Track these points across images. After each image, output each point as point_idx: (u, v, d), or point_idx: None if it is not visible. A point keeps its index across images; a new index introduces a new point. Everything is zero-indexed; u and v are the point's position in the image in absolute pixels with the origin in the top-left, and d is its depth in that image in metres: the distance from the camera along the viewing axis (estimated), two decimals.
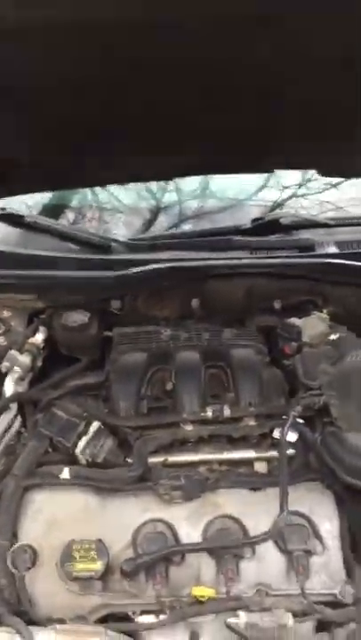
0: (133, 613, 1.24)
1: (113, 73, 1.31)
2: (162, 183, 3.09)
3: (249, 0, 1.09)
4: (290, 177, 3.04)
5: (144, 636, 1.22)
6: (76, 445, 1.35)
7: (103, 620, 1.23)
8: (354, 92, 1.23)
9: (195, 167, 1.66)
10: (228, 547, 1.23)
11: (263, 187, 3.03)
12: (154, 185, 3.08)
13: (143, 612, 1.23)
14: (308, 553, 1.25)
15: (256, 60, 1.22)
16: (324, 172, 1.74)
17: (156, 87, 1.38)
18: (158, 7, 1.05)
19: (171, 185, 3.11)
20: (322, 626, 1.21)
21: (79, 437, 1.36)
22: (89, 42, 1.21)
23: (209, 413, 1.40)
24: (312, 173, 2.86)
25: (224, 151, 1.59)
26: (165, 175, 1.76)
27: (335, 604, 1.22)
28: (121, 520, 1.28)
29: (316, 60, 1.22)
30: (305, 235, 1.87)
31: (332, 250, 1.81)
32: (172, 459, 1.38)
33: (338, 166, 1.60)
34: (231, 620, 1.16)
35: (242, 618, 1.15)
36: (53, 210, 2.47)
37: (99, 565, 1.20)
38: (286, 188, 3.08)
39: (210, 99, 1.39)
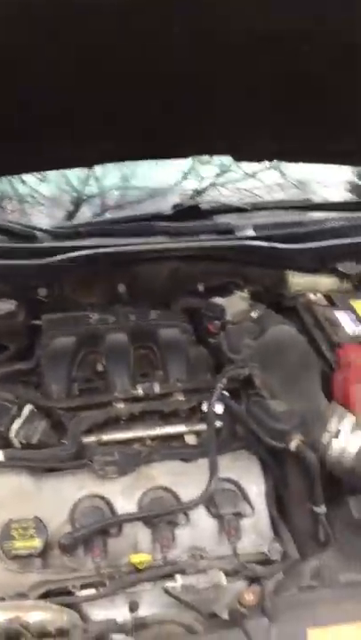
0: (73, 587, 1.27)
1: (33, 61, 1.32)
2: (82, 175, 3.11)
3: None
4: (208, 169, 3.15)
5: (85, 608, 1.25)
6: (9, 429, 1.37)
7: (44, 597, 1.25)
8: (269, 77, 1.30)
9: (114, 154, 1.69)
10: (161, 514, 1.29)
11: (184, 177, 3.12)
12: (74, 177, 3.10)
13: (83, 587, 1.27)
14: (239, 515, 1.32)
15: (172, 47, 1.26)
16: (239, 158, 1.81)
17: (73, 75, 1.40)
18: None
19: (91, 177, 3.14)
20: (253, 582, 1.29)
21: (12, 421, 1.38)
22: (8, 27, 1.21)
23: (140, 391, 1.46)
24: (229, 160, 2.98)
25: (142, 137, 1.63)
26: (86, 162, 1.78)
27: (265, 561, 1.31)
28: (57, 498, 1.31)
29: (232, 47, 1.27)
30: (224, 219, 1.95)
31: (250, 233, 1.90)
32: (106, 437, 1.42)
33: (252, 152, 1.67)
34: (169, 585, 1.22)
35: (178, 581, 1.21)
36: None
37: (38, 542, 1.22)
38: (204, 178, 3.19)
39: (127, 86, 1.42)
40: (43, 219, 2.95)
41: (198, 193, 3.12)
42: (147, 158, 1.94)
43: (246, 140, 1.60)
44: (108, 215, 2.70)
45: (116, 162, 2.10)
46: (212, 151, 1.98)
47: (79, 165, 2.16)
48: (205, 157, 3.07)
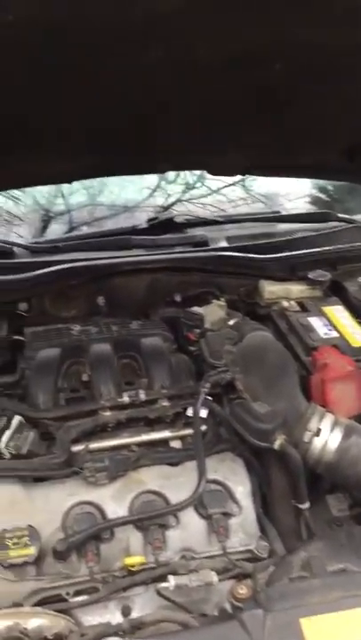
0: (68, 594, 1.29)
1: (10, 77, 1.34)
2: (49, 193, 3.14)
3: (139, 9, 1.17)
4: (173, 187, 3.23)
5: (78, 615, 1.27)
6: None
7: (39, 605, 1.26)
8: (240, 94, 1.37)
9: (89, 169, 1.73)
10: (153, 517, 1.31)
11: (151, 194, 3.18)
12: (41, 195, 3.13)
13: (77, 593, 1.29)
14: (227, 515, 1.36)
15: (145, 65, 1.30)
16: (212, 172, 1.88)
17: (45, 95, 1.43)
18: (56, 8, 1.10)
19: (58, 195, 3.17)
20: (243, 579, 1.32)
21: (2, 432, 1.39)
22: None
23: (126, 398, 1.49)
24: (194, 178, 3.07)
25: (114, 153, 1.67)
26: (60, 178, 1.82)
27: (253, 558, 1.35)
28: (49, 506, 1.33)
29: (204, 66, 1.33)
30: (198, 232, 2.02)
31: (224, 244, 1.98)
32: (94, 445, 1.45)
33: (224, 166, 1.74)
34: (162, 586, 1.24)
35: (171, 581, 1.24)
36: None
37: (32, 550, 1.24)
38: (170, 195, 3.26)
39: (101, 102, 1.46)
40: (13, 237, 2.97)
41: (165, 209, 3.19)
42: (123, 174, 1.99)
43: (219, 154, 1.67)
44: (81, 230, 2.73)
45: (91, 177, 2.13)
46: (187, 166, 2.04)
47: (53, 182, 2.19)
48: (171, 175, 3.16)
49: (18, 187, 2.21)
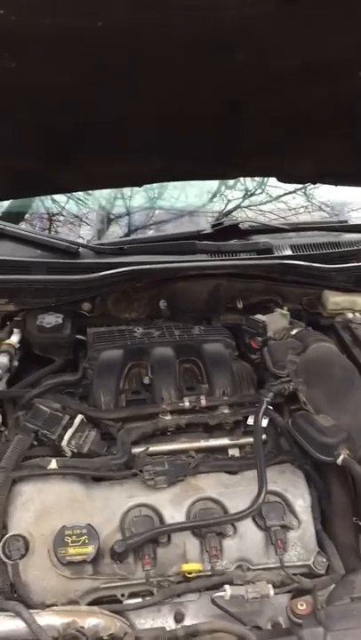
0: (122, 596, 1.29)
1: (78, 81, 1.36)
2: (110, 195, 3.18)
3: (219, 20, 1.18)
4: (233, 193, 3.21)
5: (131, 617, 1.27)
6: (61, 438, 1.40)
7: (94, 604, 1.27)
8: (316, 102, 1.35)
9: (162, 174, 1.74)
10: (211, 524, 1.30)
11: (211, 199, 3.18)
12: (102, 197, 3.16)
13: (132, 595, 1.29)
14: (285, 528, 1.34)
15: (224, 70, 1.30)
16: (282, 179, 1.86)
17: (120, 97, 1.44)
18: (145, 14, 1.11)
19: (119, 197, 3.20)
20: (300, 594, 1.30)
21: (64, 430, 1.41)
22: (55, 49, 1.24)
23: (186, 403, 1.49)
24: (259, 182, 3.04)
25: (184, 157, 1.67)
26: (131, 181, 1.83)
27: (310, 574, 1.32)
28: (108, 506, 1.34)
29: (282, 75, 1.32)
30: (261, 239, 2.00)
31: (288, 252, 1.95)
32: (153, 448, 1.45)
33: (294, 173, 1.72)
34: (217, 595, 1.23)
35: (227, 591, 1.22)
36: (15, 216, 2.50)
37: (90, 549, 1.25)
38: (230, 201, 3.24)
39: (172, 105, 1.46)
40: (74, 237, 3.01)
41: (226, 215, 3.17)
42: (193, 178, 1.99)
43: (290, 162, 1.65)
44: (142, 233, 2.75)
45: (161, 181, 2.15)
46: (257, 173, 2.03)
47: (124, 185, 2.21)
48: (231, 180, 3.14)
49: (90, 188, 2.25)
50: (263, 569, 1.31)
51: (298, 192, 3.21)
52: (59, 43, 1.21)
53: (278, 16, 1.08)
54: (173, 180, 2.15)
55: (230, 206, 3.22)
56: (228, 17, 1.12)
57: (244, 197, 3.31)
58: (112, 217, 3.17)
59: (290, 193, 3.21)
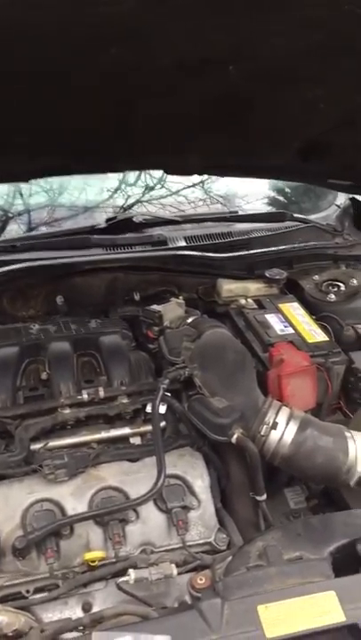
0: (27, 592, 1.29)
1: None
2: (7, 192, 3.11)
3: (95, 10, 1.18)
4: (133, 189, 3.24)
5: (39, 612, 1.27)
6: None
7: None
8: (198, 98, 1.39)
9: (49, 168, 1.73)
10: (112, 511, 1.32)
11: (111, 195, 3.18)
12: None
13: (37, 590, 1.29)
14: (186, 508, 1.38)
15: (103, 65, 1.31)
16: (170, 172, 1.90)
17: (5, 89, 1.42)
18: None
19: (17, 196, 3.14)
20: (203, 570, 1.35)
21: None
22: None
23: (85, 396, 1.50)
24: (159, 178, 3.08)
25: (72, 152, 1.67)
26: (20, 177, 1.81)
27: (212, 550, 1.37)
28: (8, 504, 1.33)
29: (162, 71, 1.35)
30: (156, 231, 2.04)
31: (182, 244, 2.00)
32: (53, 443, 1.45)
33: (181, 166, 1.76)
34: (122, 580, 1.25)
35: (131, 575, 1.24)
36: None
37: None
38: (130, 197, 3.27)
39: (58, 100, 1.46)
40: None
41: (125, 209, 3.19)
42: (81, 173, 1.99)
43: (177, 155, 1.69)
44: (41, 231, 2.72)
45: (49, 176, 2.13)
46: (145, 166, 2.06)
47: (10, 180, 2.17)
48: (132, 177, 3.17)
49: None
50: (166, 550, 1.34)
51: (196, 186, 3.29)
52: None
53: (146, 11, 1.11)
54: (61, 175, 2.14)
55: (130, 201, 3.26)
56: (98, 13, 1.13)
57: (144, 193, 3.34)
58: (10, 215, 3.11)
59: (188, 187, 3.29)
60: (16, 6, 1.08)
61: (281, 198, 3.20)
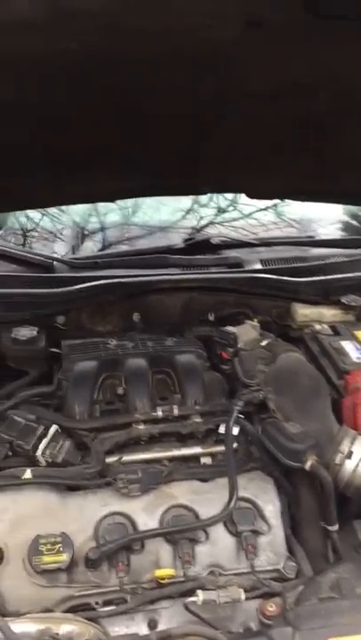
0: (97, 604, 1.31)
1: (50, 98, 1.40)
2: (84, 211, 3.22)
3: (196, 40, 1.23)
4: (206, 210, 3.28)
5: (106, 624, 1.29)
6: (36, 448, 1.42)
7: (69, 612, 1.28)
8: (283, 121, 1.41)
9: (130, 190, 1.79)
10: (184, 530, 1.33)
11: (184, 216, 3.24)
12: (75, 213, 3.20)
13: (106, 603, 1.31)
14: (256, 533, 1.37)
15: (195, 92, 1.36)
16: (251, 195, 1.93)
17: (92, 117, 1.49)
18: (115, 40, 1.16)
19: (93, 214, 3.25)
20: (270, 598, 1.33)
21: (39, 440, 1.43)
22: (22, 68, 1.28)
23: (159, 413, 1.52)
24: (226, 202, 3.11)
25: (157, 174, 1.72)
26: (104, 197, 1.88)
27: (280, 578, 1.35)
28: (82, 515, 1.36)
29: (244, 97, 1.38)
30: (232, 254, 2.06)
31: (258, 266, 2.01)
32: (127, 457, 1.48)
33: (263, 190, 1.79)
34: (189, 600, 1.25)
35: (200, 596, 1.24)
36: None
37: (65, 557, 1.27)
38: (202, 218, 3.31)
39: (145, 124, 1.51)
40: (48, 252, 3.03)
41: (198, 231, 3.23)
42: (164, 194, 2.04)
43: (259, 179, 1.71)
44: (116, 249, 2.80)
45: (134, 197, 2.20)
46: (227, 189, 2.09)
47: (97, 200, 2.25)
48: (204, 198, 3.21)
49: (64, 204, 2.28)
50: (235, 574, 1.33)
51: (269, 209, 3.30)
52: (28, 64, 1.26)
53: (244, 40, 1.14)
54: (145, 196, 2.20)
55: (203, 222, 3.30)
56: (197, 40, 1.18)
57: (217, 215, 3.38)
58: (86, 232, 3.21)
59: (261, 210, 3.30)
60: (100, 35, 1.14)
61: (355, 223, 3.17)
